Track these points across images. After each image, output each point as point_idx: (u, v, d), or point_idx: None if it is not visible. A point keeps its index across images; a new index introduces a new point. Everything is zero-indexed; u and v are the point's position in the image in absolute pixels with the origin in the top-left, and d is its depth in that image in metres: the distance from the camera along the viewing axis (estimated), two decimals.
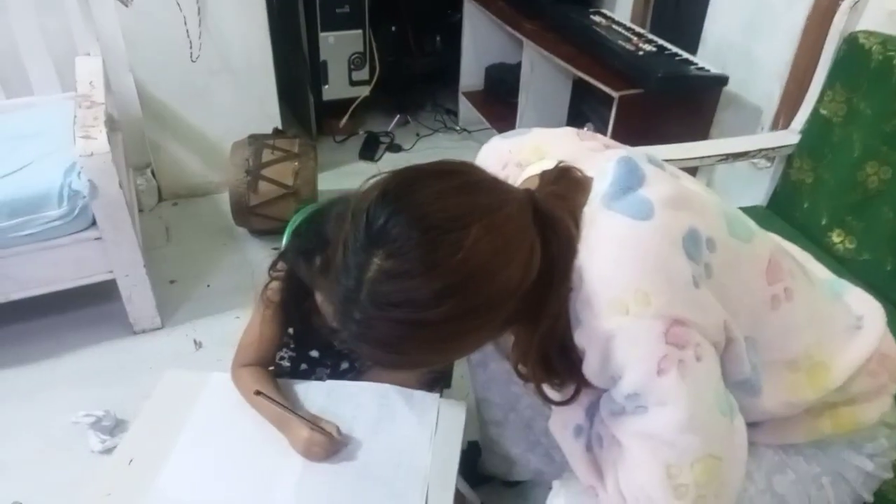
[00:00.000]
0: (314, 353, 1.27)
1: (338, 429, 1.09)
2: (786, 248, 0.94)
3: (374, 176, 0.75)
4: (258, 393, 1.07)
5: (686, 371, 0.71)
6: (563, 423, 0.87)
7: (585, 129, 1.01)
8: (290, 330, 1.25)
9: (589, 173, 0.81)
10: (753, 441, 0.85)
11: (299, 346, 1.28)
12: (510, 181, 0.83)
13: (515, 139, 0.95)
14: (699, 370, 0.72)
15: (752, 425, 0.84)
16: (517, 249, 0.70)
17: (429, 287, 0.66)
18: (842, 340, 0.86)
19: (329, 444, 1.06)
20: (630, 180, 0.76)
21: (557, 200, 0.77)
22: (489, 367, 1.24)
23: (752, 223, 0.85)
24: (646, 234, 0.72)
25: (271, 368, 1.25)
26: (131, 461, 1.06)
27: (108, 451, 1.51)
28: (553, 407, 0.87)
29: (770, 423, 0.86)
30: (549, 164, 0.84)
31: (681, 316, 0.71)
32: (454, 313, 0.68)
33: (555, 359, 0.79)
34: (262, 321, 1.19)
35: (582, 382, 0.80)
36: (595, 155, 0.85)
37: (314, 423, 1.08)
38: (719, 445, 0.74)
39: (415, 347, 0.72)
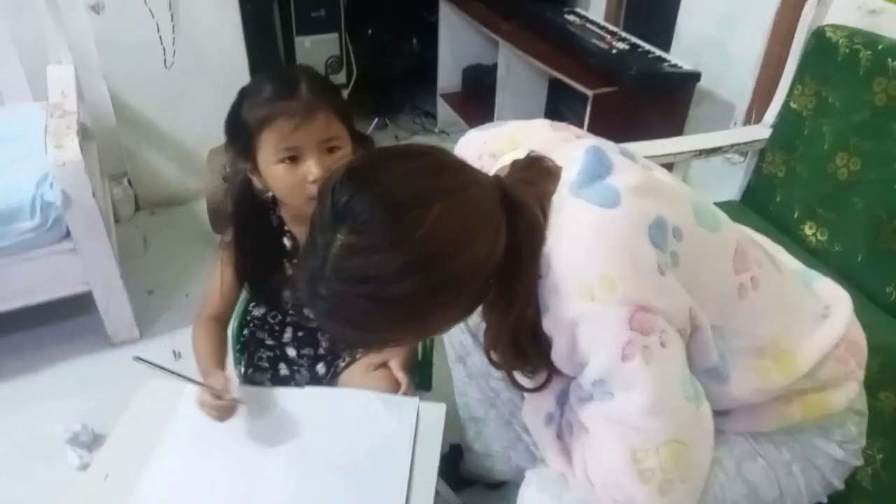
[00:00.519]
0: (290, 351, 1.27)
1: (226, 385, 1.07)
2: (754, 237, 0.95)
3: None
4: (137, 359, 1.05)
5: (651, 357, 0.72)
6: (534, 410, 0.89)
7: None
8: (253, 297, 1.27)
9: (559, 162, 0.82)
10: (723, 429, 0.87)
11: (258, 291, 1.28)
12: (484, 171, 0.84)
13: (491, 131, 0.97)
14: (664, 356, 0.73)
15: (721, 413, 0.85)
16: (481, 230, 0.72)
17: (392, 262, 0.68)
18: (809, 328, 0.88)
19: (215, 404, 1.05)
20: (598, 169, 0.77)
21: (525, 186, 0.78)
22: (468, 361, 1.24)
23: (720, 213, 0.86)
24: (612, 221, 0.73)
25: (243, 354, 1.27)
26: (107, 476, 1.04)
27: (86, 466, 1.49)
28: (525, 395, 0.88)
29: (740, 410, 0.87)
30: (521, 154, 0.86)
31: (646, 302, 0.71)
32: (418, 289, 0.69)
33: (525, 345, 0.80)
34: (221, 265, 1.21)
35: (552, 370, 0.81)
36: (566, 145, 0.87)
37: (215, 385, 1.07)
38: (685, 430, 0.75)
39: (381, 324, 0.73)
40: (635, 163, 0.83)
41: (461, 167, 0.77)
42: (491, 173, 0.86)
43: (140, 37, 2.17)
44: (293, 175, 1.07)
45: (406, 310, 0.71)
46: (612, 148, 0.83)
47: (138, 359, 1.05)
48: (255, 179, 1.14)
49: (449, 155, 0.78)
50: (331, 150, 1.08)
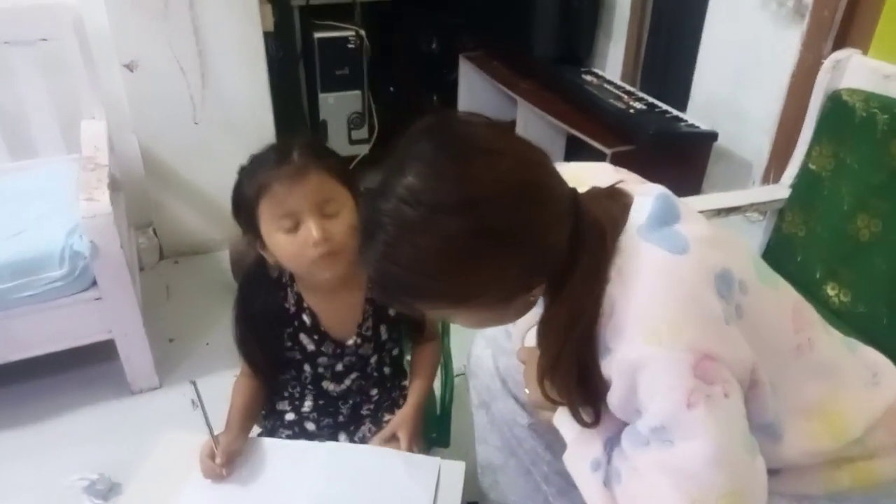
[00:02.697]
0: (310, 426, 1.27)
1: (225, 457, 1.09)
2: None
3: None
4: (192, 382, 1.09)
5: (714, 406, 0.70)
6: (580, 456, 0.86)
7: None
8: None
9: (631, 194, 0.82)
10: (770, 489, 0.85)
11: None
12: None
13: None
14: (727, 406, 0.72)
15: (770, 473, 0.83)
16: (546, 206, 0.73)
17: (454, 194, 0.69)
18: (858, 393, 0.87)
19: (207, 464, 1.09)
20: (667, 216, 0.77)
21: (598, 209, 0.79)
22: (492, 407, 1.23)
23: (774, 273, 0.87)
24: (680, 268, 0.73)
25: None
26: None
27: None
28: (570, 441, 0.86)
29: (788, 471, 0.86)
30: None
31: (711, 351, 0.71)
32: (477, 229, 0.69)
33: (585, 373, 0.78)
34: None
35: (603, 411, 0.80)
36: (632, 186, 0.86)
37: (214, 441, 1.10)
38: (743, 483, 0.73)
39: (436, 267, 0.72)
40: (697, 214, 0.84)
41: (542, 155, 0.78)
42: None
43: (171, 93, 2.25)
44: (295, 242, 1.06)
45: (462, 250, 0.71)
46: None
47: (193, 383, 1.09)
48: (266, 255, 1.14)
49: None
50: (330, 213, 1.07)
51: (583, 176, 0.90)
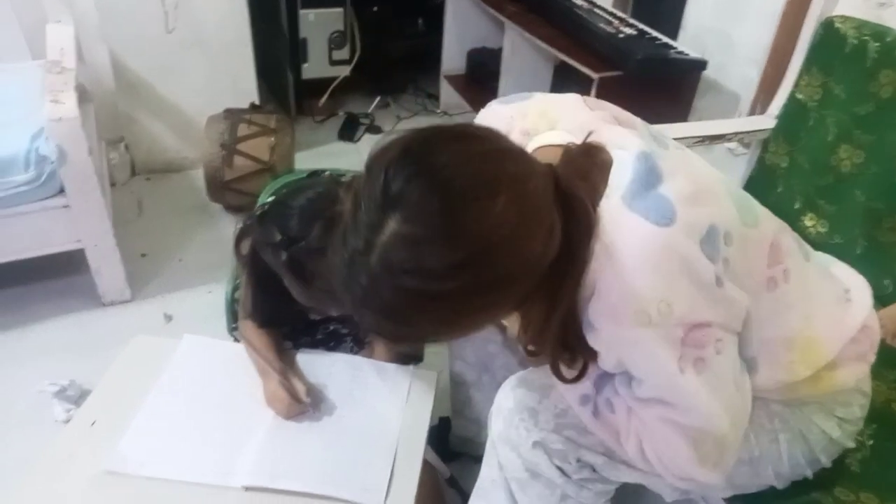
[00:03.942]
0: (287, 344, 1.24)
1: (307, 391, 1.07)
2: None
3: (388, 132, 0.72)
4: (235, 328, 1.06)
5: (706, 367, 0.73)
6: (566, 390, 0.88)
7: None
8: None
9: (607, 147, 0.78)
10: None
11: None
12: None
13: (517, 104, 0.91)
14: (719, 362, 0.74)
15: None
16: (539, 224, 0.67)
17: (446, 257, 0.62)
18: (832, 313, 0.88)
19: (290, 403, 1.05)
20: (650, 177, 0.73)
21: (580, 181, 0.73)
22: None
23: (755, 204, 0.85)
24: (669, 241, 0.70)
25: None
26: (94, 423, 1.03)
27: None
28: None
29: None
30: (564, 137, 0.81)
31: (703, 319, 0.72)
32: (469, 287, 0.64)
33: (573, 341, 0.78)
34: (245, 283, 1.18)
35: (591, 360, 0.80)
36: (608, 127, 0.82)
37: (286, 378, 1.07)
38: (735, 416, 0.77)
39: (423, 319, 0.67)
40: (671, 151, 0.81)
41: (521, 154, 0.71)
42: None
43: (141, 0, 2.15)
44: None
45: (452, 307, 0.66)
46: (649, 138, 0.80)
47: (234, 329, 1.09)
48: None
49: (506, 140, 0.72)
50: None
51: (552, 115, 0.85)
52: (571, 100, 0.88)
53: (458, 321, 0.70)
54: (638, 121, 0.87)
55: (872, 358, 0.91)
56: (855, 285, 0.94)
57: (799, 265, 0.86)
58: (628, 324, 0.71)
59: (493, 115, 0.92)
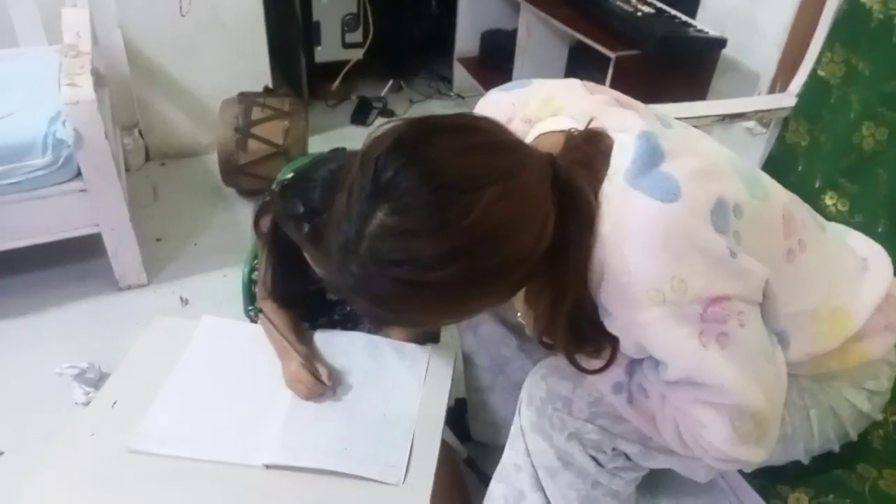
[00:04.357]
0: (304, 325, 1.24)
1: (329, 374, 1.07)
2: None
3: (388, 120, 0.71)
4: (259, 310, 1.06)
5: (730, 341, 0.71)
6: (599, 379, 0.86)
7: None
8: None
9: (609, 131, 0.77)
10: None
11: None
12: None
13: (517, 91, 0.90)
14: (744, 335, 0.72)
15: None
16: (531, 217, 0.67)
17: (433, 248, 0.63)
18: (853, 281, 0.87)
19: (312, 384, 1.05)
20: (652, 156, 0.72)
21: (580, 169, 0.73)
22: (479, 329, 1.23)
23: (764, 178, 0.84)
24: (677, 216, 0.69)
25: None
26: (115, 403, 1.04)
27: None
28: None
29: None
30: (567, 123, 0.80)
31: (720, 293, 0.70)
32: (457, 277, 0.64)
33: (586, 330, 0.77)
34: (264, 261, 1.17)
35: (617, 346, 0.79)
36: (610, 111, 0.81)
37: (308, 360, 1.07)
38: (773, 390, 0.75)
39: (412, 307, 0.69)
40: (675, 131, 0.80)
41: (517, 146, 0.71)
42: (527, 140, 0.82)
43: None
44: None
45: (441, 296, 0.67)
46: (653, 119, 0.79)
47: (260, 311, 1.12)
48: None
49: (505, 131, 0.72)
50: None
51: (555, 103, 0.85)
52: (571, 86, 0.88)
53: (447, 309, 0.72)
54: (639, 104, 0.86)
55: None
56: (872, 254, 0.93)
57: (815, 235, 0.85)
58: (643, 305, 0.70)
59: (493, 104, 0.91)
